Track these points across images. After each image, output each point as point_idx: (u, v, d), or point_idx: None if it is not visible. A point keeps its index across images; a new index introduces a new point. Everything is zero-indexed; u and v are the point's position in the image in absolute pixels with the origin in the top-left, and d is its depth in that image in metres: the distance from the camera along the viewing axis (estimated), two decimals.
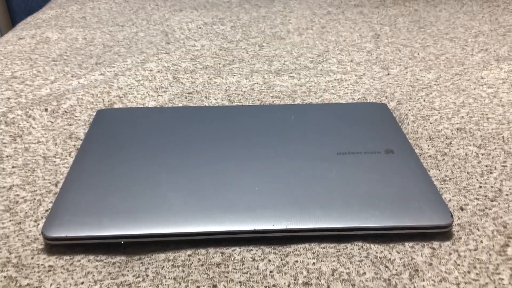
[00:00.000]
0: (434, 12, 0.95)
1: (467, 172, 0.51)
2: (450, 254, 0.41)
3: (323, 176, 0.47)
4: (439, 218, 0.42)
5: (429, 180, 0.47)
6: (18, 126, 0.57)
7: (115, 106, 0.62)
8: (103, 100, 0.63)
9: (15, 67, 0.72)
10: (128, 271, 0.39)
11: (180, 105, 0.63)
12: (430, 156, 0.53)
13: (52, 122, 0.58)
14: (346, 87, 0.67)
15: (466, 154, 0.53)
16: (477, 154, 0.53)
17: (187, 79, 0.69)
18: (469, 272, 0.39)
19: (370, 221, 0.42)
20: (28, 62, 0.74)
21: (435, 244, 0.42)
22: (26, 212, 0.45)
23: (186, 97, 0.65)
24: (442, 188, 0.49)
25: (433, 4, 0.99)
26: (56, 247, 0.42)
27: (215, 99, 0.64)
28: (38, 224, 0.44)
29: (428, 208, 0.43)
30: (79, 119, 0.59)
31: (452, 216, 0.43)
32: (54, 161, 0.52)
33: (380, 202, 0.44)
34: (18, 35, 0.84)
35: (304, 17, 0.92)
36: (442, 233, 0.43)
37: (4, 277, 0.39)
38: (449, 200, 0.47)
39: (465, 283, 0.38)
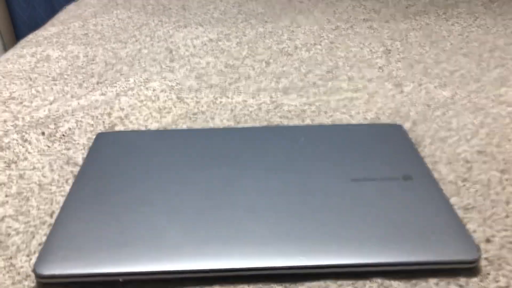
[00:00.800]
0: (446, 26, 0.92)
1: (491, 199, 0.47)
2: None
3: (337, 206, 0.43)
4: (465, 253, 0.39)
5: (451, 209, 0.43)
6: (13, 151, 0.54)
7: (116, 128, 0.59)
8: (104, 122, 0.60)
9: (14, 87, 0.69)
10: None
11: (185, 126, 0.60)
12: (449, 181, 0.50)
13: (49, 147, 0.55)
14: (357, 106, 0.64)
15: (489, 180, 0.50)
16: (500, 179, 0.50)
17: (191, 98, 0.66)
18: None
19: (390, 256, 0.39)
20: (27, 81, 0.71)
21: (462, 280, 0.38)
22: (18, 246, 0.42)
23: (190, 118, 0.62)
24: (465, 218, 0.45)
25: (445, 18, 0.96)
26: (49, 285, 0.38)
27: (221, 120, 0.61)
28: (31, 259, 0.41)
29: (452, 241, 0.40)
30: (78, 143, 0.56)
31: (479, 250, 0.39)
32: (50, 189, 0.49)
33: (400, 235, 0.40)
34: (19, 53, 0.82)
35: (312, 32, 0.89)
36: (468, 269, 0.39)
37: None
38: (474, 231, 0.43)
39: None
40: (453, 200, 0.47)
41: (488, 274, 0.39)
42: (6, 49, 1.69)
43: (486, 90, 0.67)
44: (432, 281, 0.38)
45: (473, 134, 0.57)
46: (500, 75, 0.72)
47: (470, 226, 0.44)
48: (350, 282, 0.38)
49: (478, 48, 0.81)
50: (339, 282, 0.38)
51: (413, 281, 0.38)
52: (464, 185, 0.49)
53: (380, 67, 0.75)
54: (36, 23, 1.74)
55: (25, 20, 1.73)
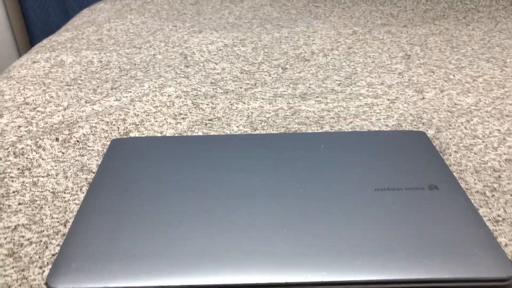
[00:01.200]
0: (466, 31, 0.90)
1: None
2: None
3: (360, 217, 0.42)
4: (498, 269, 0.37)
5: (481, 221, 0.41)
6: (27, 158, 0.53)
7: (131, 134, 0.58)
8: (118, 128, 0.59)
9: (28, 92, 0.69)
10: None
11: (200, 133, 0.58)
12: (477, 192, 0.48)
13: (63, 153, 0.54)
14: (378, 113, 0.62)
15: None
16: None
17: (207, 104, 0.64)
18: None
19: (417, 272, 0.37)
20: (41, 87, 0.70)
21: None
22: (31, 257, 0.41)
23: (206, 124, 0.60)
24: (496, 230, 0.43)
25: (465, 22, 0.94)
26: None
27: (237, 126, 0.60)
28: (44, 271, 0.39)
29: (484, 256, 0.38)
30: (92, 149, 0.55)
31: None
32: (64, 197, 0.48)
33: (428, 249, 0.38)
34: (33, 58, 0.81)
35: (328, 37, 0.88)
36: (501, 287, 0.37)
37: None
38: (505, 245, 0.41)
39: None
40: (481, 211, 0.45)
41: None
42: (20, 54, 1.70)
43: None
44: None
45: (500, 142, 0.55)
46: None
47: (501, 240, 0.42)
48: None
49: (501, 54, 0.79)
50: None
51: None
52: (493, 196, 0.47)
53: (400, 73, 0.73)
54: (50, 29, 1.75)
55: (39, 26, 1.73)
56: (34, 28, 1.74)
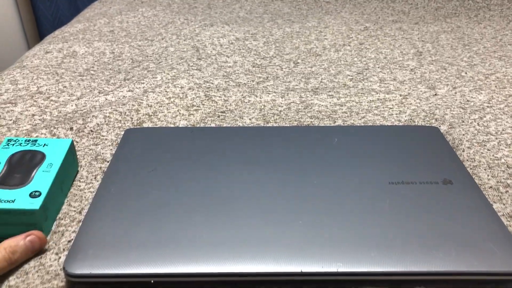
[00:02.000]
0: (478, 29, 0.89)
1: None
2: None
3: (375, 209, 0.42)
4: None
5: (495, 216, 0.41)
6: None
7: (144, 125, 0.58)
8: (132, 118, 0.59)
9: (41, 81, 0.69)
10: None
11: (213, 125, 0.59)
12: (491, 187, 0.48)
13: (77, 142, 0.55)
14: (390, 108, 0.62)
15: None
16: None
17: (219, 97, 0.65)
18: None
19: (432, 264, 0.37)
20: (54, 76, 0.71)
21: None
22: (48, 244, 0.41)
23: (219, 116, 0.60)
24: (510, 226, 0.43)
25: (477, 20, 0.94)
26: (79, 284, 0.37)
27: (250, 119, 0.60)
28: (60, 257, 0.40)
29: (499, 250, 0.38)
30: (106, 139, 0.55)
31: None
32: (79, 186, 0.48)
33: (443, 242, 0.38)
34: (45, 48, 0.81)
35: (340, 33, 0.88)
36: None
37: None
38: None
39: None
40: (495, 206, 0.45)
41: None
42: (29, 45, 1.71)
43: None
44: None
45: None
46: None
47: None
48: None
49: None
50: None
51: None
52: (506, 191, 0.47)
53: (412, 69, 0.73)
54: (59, 21, 1.75)
55: (48, 18, 1.74)
56: (43, 19, 1.74)
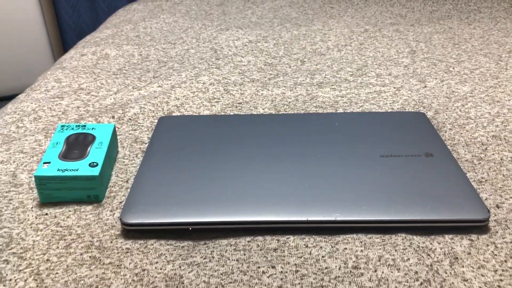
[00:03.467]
0: (468, 29, 0.99)
1: (503, 174, 0.54)
2: (487, 245, 0.45)
3: (368, 175, 0.51)
4: (477, 213, 0.46)
5: (467, 180, 0.51)
6: None
7: (174, 114, 0.68)
8: (163, 109, 0.69)
9: (81, 80, 0.79)
10: (196, 253, 0.45)
11: (232, 113, 0.69)
12: (467, 160, 0.57)
13: (118, 128, 0.65)
14: (385, 98, 0.72)
15: (501, 159, 0.57)
16: None
17: (236, 91, 0.75)
18: (505, 261, 0.43)
19: (413, 214, 0.46)
20: (91, 75, 0.81)
21: (473, 236, 0.46)
22: (103, 205, 0.51)
23: (236, 107, 0.70)
24: (479, 188, 0.52)
25: (467, 22, 1.03)
26: (132, 232, 0.47)
27: (263, 109, 0.70)
28: (114, 213, 0.50)
29: (466, 204, 0.47)
30: (143, 125, 0.65)
31: (489, 211, 0.46)
32: (124, 161, 0.58)
33: (422, 198, 0.48)
34: (80, 52, 0.92)
35: (342, 35, 0.97)
36: (479, 227, 0.47)
37: (90, 257, 0.45)
38: (486, 199, 0.51)
39: (502, 270, 0.42)
40: (469, 175, 0.55)
41: (496, 232, 0.46)
42: (53, 50, 1.82)
43: (504, 86, 0.74)
44: (448, 236, 0.46)
45: (489, 122, 0.64)
46: None
47: (483, 195, 0.51)
48: (378, 235, 0.46)
49: (497, 49, 0.88)
50: (369, 235, 0.46)
51: (432, 236, 0.46)
52: (479, 163, 0.56)
53: (405, 66, 0.83)
54: (81, 28, 1.87)
55: (70, 25, 1.86)
56: (66, 27, 1.86)
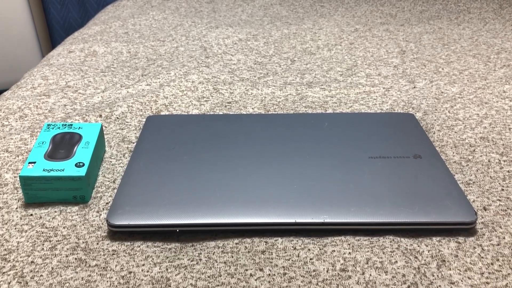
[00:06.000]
0: (457, 30, 0.99)
1: (490, 176, 0.54)
2: (474, 248, 0.45)
3: (356, 177, 0.51)
4: (464, 216, 0.46)
5: (454, 182, 0.51)
6: None
7: (162, 113, 0.68)
8: (151, 108, 0.68)
9: (68, 77, 0.78)
10: (183, 255, 0.44)
11: (221, 113, 0.68)
12: (455, 162, 0.57)
13: (106, 127, 0.64)
14: (374, 99, 0.72)
15: (489, 161, 0.57)
16: (499, 160, 0.57)
17: (226, 90, 0.74)
18: (492, 264, 0.43)
19: (401, 216, 0.46)
20: (79, 73, 0.80)
21: (460, 239, 0.46)
22: (89, 206, 0.50)
23: (225, 106, 0.70)
24: (467, 190, 0.52)
25: (457, 22, 1.03)
26: (118, 233, 0.47)
27: (252, 108, 0.70)
28: (100, 215, 0.49)
29: (454, 206, 0.47)
30: (130, 124, 0.65)
31: (476, 214, 0.47)
32: (111, 161, 0.57)
33: (409, 201, 0.48)
34: (68, 48, 0.91)
35: (332, 34, 0.97)
36: (467, 230, 0.47)
37: (75, 259, 0.44)
38: (473, 201, 0.51)
39: (489, 273, 0.42)
40: (457, 176, 0.55)
41: (483, 234, 0.47)
42: (41, 47, 1.80)
43: (492, 87, 0.75)
44: (436, 238, 0.46)
45: (477, 124, 0.65)
46: (505, 74, 0.79)
47: (470, 197, 0.51)
48: (366, 237, 0.46)
49: (486, 50, 0.88)
50: (357, 237, 0.46)
51: (420, 239, 0.46)
52: (467, 165, 0.56)
53: (395, 66, 0.83)
54: (69, 24, 1.85)
55: (59, 21, 1.83)
56: (54, 22, 1.84)
